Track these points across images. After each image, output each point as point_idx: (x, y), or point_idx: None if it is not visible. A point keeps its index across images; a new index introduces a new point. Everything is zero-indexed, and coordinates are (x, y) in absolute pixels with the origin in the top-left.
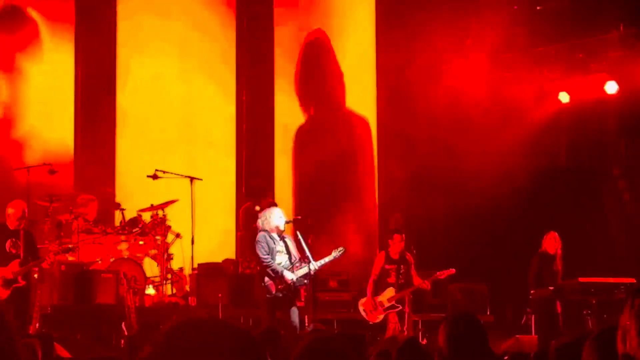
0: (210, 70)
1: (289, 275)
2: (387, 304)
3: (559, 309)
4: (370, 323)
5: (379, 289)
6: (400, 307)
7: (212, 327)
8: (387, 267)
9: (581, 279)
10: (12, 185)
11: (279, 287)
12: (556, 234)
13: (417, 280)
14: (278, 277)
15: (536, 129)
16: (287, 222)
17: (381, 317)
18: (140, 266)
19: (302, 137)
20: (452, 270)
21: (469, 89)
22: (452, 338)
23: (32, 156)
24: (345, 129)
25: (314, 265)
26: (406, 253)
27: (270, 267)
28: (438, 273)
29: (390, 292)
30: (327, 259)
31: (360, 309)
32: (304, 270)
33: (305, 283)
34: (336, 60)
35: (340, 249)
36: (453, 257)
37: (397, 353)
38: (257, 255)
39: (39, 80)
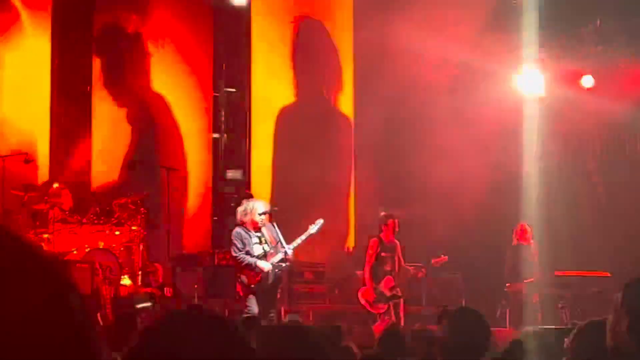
0: (187, 58)
1: (263, 265)
2: (389, 294)
3: (534, 301)
4: (374, 314)
5: (375, 278)
6: (402, 297)
7: (194, 317)
8: (383, 254)
9: (556, 273)
10: None
11: (257, 279)
12: (524, 224)
13: (407, 271)
14: (253, 269)
15: (511, 120)
16: (262, 214)
17: (385, 308)
18: (116, 256)
19: (282, 128)
20: (445, 258)
21: (445, 82)
22: (456, 331)
23: (7, 145)
24: (326, 124)
25: (292, 245)
26: (395, 241)
27: (243, 262)
28: (433, 261)
29: (389, 281)
30: (304, 236)
31: (362, 300)
32: (279, 256)
33: (284, 267)
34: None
35: (318, 221)
36: (429, 249)
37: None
38: (231, 252)
39: (15, 68)
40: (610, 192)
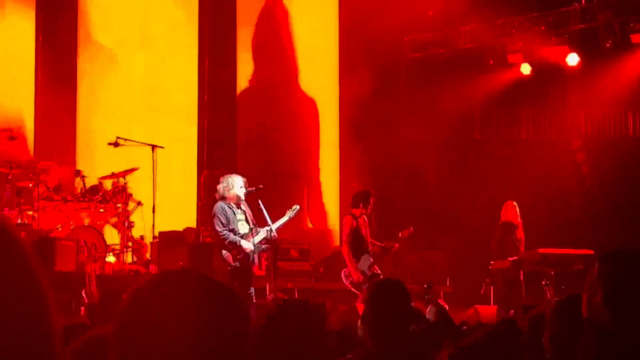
0: (173, 37)
1: (247, 245)
2: (369, 273)
3: (521, 278)
4: (358, 294)
5: (355, 257)
6: (381, 275)
7: (186, 277)
8: (359, 232)
9: (540, 250)
10: None
11: (238, 257)
12: (514, 202)
13: (374, 244)
14: (236, 247)
15: (497, 100)
16: (247, 192)
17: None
18: (101, 234)
19: (259, 110)
20: (411, 229)
21: (430, 61)
22: (374, 301)
23: None
24: (298, 107)
25: (272, 228)
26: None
27: (227, 239)
28: (400, 234)
29: (367, 259)
30: (282, 220)
31: (346, 281)
32: (261, 236)
33: (264, 249)
34: (290, 32)
35: (294, 207)
36: (412, 226)
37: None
38: (214, 228)
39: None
40: (595, 170)
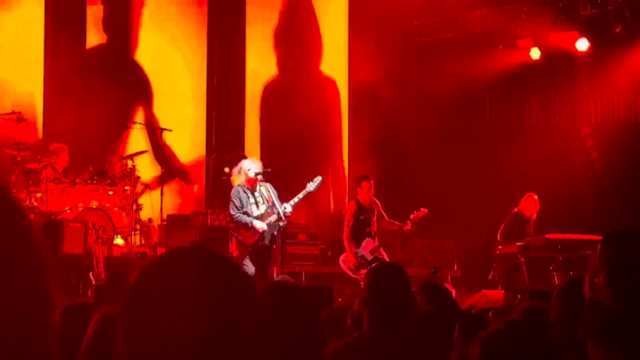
0: (182, 20)
1: (259, 224)
2: (370, 257)
3: (522, 262)
4: (358, 279)
5: (355, 241)
6: (384, 258)
7: (196, 253)
8: (361, 217)
9: (548, 236)
10: None
11: (253, 239)
12: (536, 197)
13: (392, 224)
14: (249, 229)
15: (506, 85)
16: (257, 174)
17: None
18: (109, 216)
19: (272, 93)
20: (425, 210)
21: (439, 46)
22: (374, 286)
23: (1, 105)
24: (315, 88)
25: (291, 203)
26: (374, 199)
27: (240, 221)
28: (412, 216)
29: (369, 243)
30: (301, 194)
31: (343, 265)
32: (274, 217)
33: (280, 226)
34: (316, 19)
35: (317, 179)
36: (426, 209)
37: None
38: (229, 212)
39: (8, 29)
40: (604, 156)
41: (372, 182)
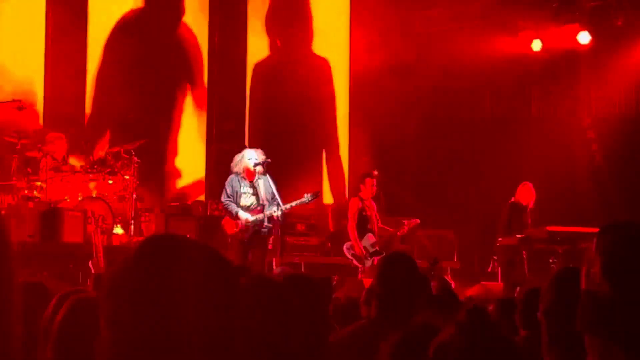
0: (184, 9)
1: (243, 215)
2: (371, 250)
3: (524, 256)
4: (360, 269)
5: (359, 235)
6: (385, 253)
7: (173, 241)
8: (364, 213)
9: (548, 228)
10: None
11: (234, 230)
12: (531, 185)
13: (384, 230)
14: (234, 218)
15: (507, 77)
16: (255, 165)
17: (369, 263)
18: (109, 205)
19: (271, 81)
20: (417, 221)
21: (441, 37)
22: (384, 274)
23: (3, 93)
24: (309, 73)
25: (282, 208)
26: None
27: (226, 208)
28: (405, 222)
29: (370, 238)
30: (297, 202)
31: (347, 254)
32: (261, 216)
33: (264, 230)
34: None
35: (316, 192)
36: (421, 203)
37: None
38: (222, 202)
39: (9, 15)
40: (605, 149)
41: (375, 179)
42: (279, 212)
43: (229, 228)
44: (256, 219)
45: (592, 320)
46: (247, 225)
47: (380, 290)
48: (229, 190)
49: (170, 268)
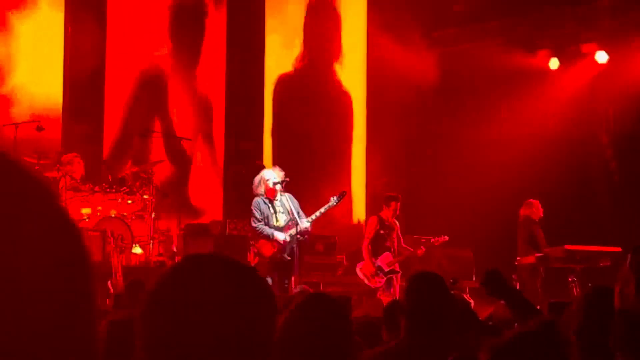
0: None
1: (281, 236)
2: (386, 269)
3: (542, 274)
4: (372, 287)
5: (374, 253)
6: (400, 272)
7: (209, 260)
8: (382, 232)
9: (567, 247)
10: (0, 141)
11: (272, 250)
12: (537, 201)
13: (405, 249)
14: (270, 240)
15: (525, 95)
16: (275, 184)
17: (382, 281)
18: (127, 225)
19: (290, 100)
20: (446, 238)
21: (459, 56)
22: (414, 293)
23: (20, 112)
24: (330, 97)
25: (311, 218)
26: (395, 220)
27: (261, 233)
28: (433, 240)
29: (387, 256)
30: (323, 209)
31: (360, 273)
32: (294, 230)
33: (300, 239)
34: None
35: (340, 194)
36: (439, 223)
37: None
38: (250, 224)
39: (29, 38)
40: (623, 167)
41: (399, 203)
42: (308, 224)
43: (266, 251)
44: (290, 234)
45: (627, 340)
46: (284, 246)
47: (409, 309)
48: (257, 214)
49: (208, 287)
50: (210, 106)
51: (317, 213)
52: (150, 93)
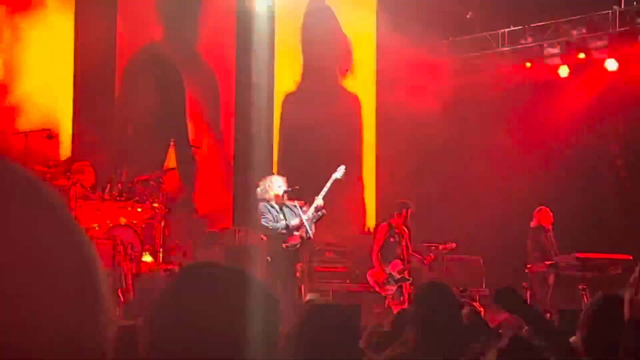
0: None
1: (294, 220)
2: (397, 276)
3: (552, 282)
4: (382, 295)
5: (385, 261)
6: (411, 280)
7: (211, 269)
8: (392, 239)
9: (578, 254)
10: (9, 150)
11: (285, 245)
12: (548, 209)
13: (414, 257)
14: (288, 230)
15: (535, 103)
16: (285, 192)
17: (393, 289)
18: (138, 233)
19: (298, 110)
20: (453, 245)
21: (470, 64)
22: (422, 302)
23: (30, 121)
24: (340, 105)
25: (321, 195)
26: (404, 227)
27: (277, 229)
28: (440, 247)
29: (397, 264)
30: (329, 183)
31: (371, 280)
32: (310, 212)
33: (320, 216)
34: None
35: (340, 168)
36: (449, 230)
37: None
38: (262, 225)
39: (39, 45)
40: (633, 175)
41: (410, 211)
42: (321, 201)
43: (293, 239)
44: (308, 217)
45: (636, 349)
46: (301, 234)
47: (417, 318)
48: (268, 215)
49: (209, 295)
50: (218, 114)
51: (322, 192)
52: (162, 102)
